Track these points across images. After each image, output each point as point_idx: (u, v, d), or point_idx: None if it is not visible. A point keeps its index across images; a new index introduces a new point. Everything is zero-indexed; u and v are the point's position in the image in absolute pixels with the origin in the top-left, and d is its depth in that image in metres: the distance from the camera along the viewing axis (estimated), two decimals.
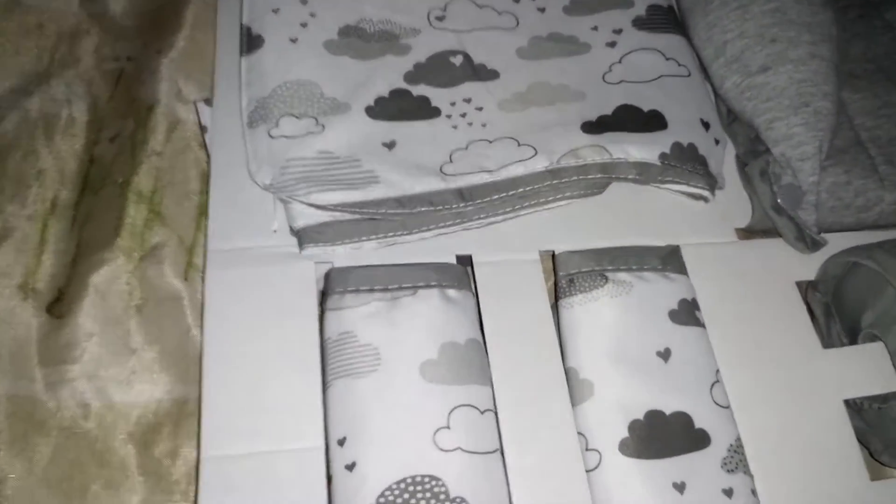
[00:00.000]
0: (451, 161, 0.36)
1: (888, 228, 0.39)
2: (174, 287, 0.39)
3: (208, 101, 0.41)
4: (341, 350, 0.32)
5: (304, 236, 0.34)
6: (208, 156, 0.39)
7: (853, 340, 0.37)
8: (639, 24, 0.43)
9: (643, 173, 0.37)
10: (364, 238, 0.35)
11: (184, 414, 0.36)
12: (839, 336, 0.38)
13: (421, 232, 0.35)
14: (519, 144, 0.37)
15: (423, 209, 0.34)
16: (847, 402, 0.35)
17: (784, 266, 0.38)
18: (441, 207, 0.34)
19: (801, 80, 0.37)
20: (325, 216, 0.34)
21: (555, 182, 0.36)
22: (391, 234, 0.35)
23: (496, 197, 0.35)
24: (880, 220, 0.38)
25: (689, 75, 0.41)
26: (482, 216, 0.36)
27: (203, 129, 0.41)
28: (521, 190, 0.35)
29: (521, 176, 0.35)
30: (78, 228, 0.41)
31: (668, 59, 0.42)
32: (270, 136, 0.36)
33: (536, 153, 0.36)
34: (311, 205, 0.34)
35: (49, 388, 0.36)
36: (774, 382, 0.35)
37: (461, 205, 0.35)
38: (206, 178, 0.41)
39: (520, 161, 0.36)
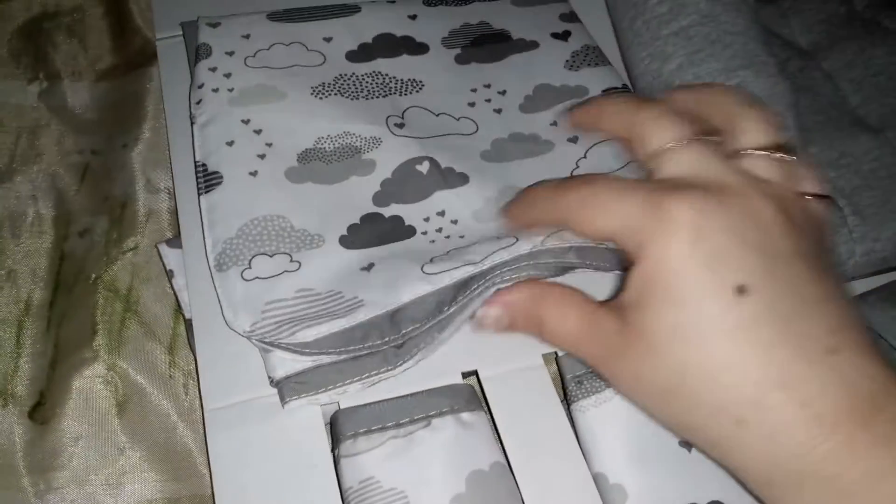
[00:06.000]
0: (431, 262, 0.34)
1: (863, 277, 0.40)
2: (156, 384, 0.39)
3: (170, 242, 0.39)
4: (367, 499, 0.30)
5: (285, 389, 0.32)
6: (178, 304, 0.38)
7: None
8: None
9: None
10: (347, 381, 0.32)
11: None
12: None
13: (405, 363, 0.33)
14: (499, 238, 0.35)
15: (409, 329, 0.33)
16: None
17: None
18: (427, 321, 0.33)
19: None
20: (307, 362, 0.32)
21: (532, 263, 0.35)
22: (374, 372, 0.33)
23: (482, 282, 0.34)
24: (855, 271, 0.39)
25: None
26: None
27: (169, 273, 0.38)
28: (501, 271, 0.34)
29: (506, 261, 0.34)
30: (55, 329, 0.41)
31: None
32: (244, 279, 0.34)
33: (518, 240, 0.35)
34: (296, 345, 0.32)
35: (38, 497, 0.36)
36: None
37: (447, 309, 0.33)
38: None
39: (503, 248, 0.34)
